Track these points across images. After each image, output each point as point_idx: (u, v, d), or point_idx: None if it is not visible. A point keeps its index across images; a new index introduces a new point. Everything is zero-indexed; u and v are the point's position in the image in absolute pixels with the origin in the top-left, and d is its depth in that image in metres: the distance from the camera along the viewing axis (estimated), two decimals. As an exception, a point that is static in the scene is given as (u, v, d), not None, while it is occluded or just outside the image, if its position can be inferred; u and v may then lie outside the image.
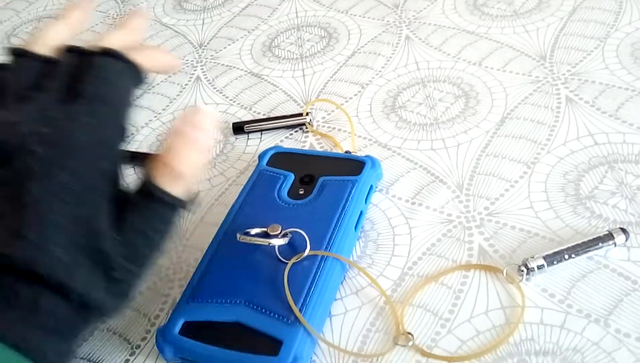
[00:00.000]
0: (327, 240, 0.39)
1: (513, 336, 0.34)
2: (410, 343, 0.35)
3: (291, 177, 0.44)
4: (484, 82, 0.53)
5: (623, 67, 0.51)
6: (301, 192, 0.43)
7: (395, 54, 0.58)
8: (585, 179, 0.43)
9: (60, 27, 0.33)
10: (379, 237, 0.42)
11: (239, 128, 0.52)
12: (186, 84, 0.60)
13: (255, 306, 0.36)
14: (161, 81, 0.61)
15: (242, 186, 0.45)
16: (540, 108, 0.49)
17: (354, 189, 0.42)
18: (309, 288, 0.36)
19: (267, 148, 0.48)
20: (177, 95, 0.59)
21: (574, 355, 0.33)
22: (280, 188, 0.43)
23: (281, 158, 0.46)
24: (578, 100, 0.49)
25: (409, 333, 0.35)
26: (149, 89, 0.60)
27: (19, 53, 0.30)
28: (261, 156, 0.46)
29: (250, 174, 0.45)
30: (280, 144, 0.51)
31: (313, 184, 0.43)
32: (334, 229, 0.40)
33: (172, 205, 0.29)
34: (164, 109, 0.58)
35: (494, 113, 0.49)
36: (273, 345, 0.34)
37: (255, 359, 0.34)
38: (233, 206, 0.43)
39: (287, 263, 0.38)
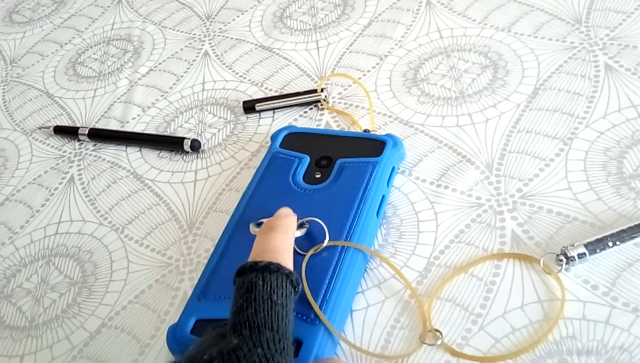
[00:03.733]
0: (347, 228, 0.36)
1: (552, 333, 0.31)
2: (439, 341, 0.32)
3: (306, 160, 0.41)
4: (513, 50, 0.48)
5: (668, 30, 0.46)
6: (318, 176, 0.40)
7: (416, 22, 0.54)
8: (629, 155, 0.39)
9: None
10: (402, 224, 0.39)
11: (250, 107, 0.49)
12: (194, 60, 0.57)
13: (270, 303, 0.34)
14: (168, 58, 0.58)
15: (255, 170, 0.42)
16: (576, 77, 0.45)
17: (374, 172, 0.39)
18: (329, 283, 0.34)
19: (279, 127, 0.45)
20: (185, 72, 0.56)
21: (621, 355, 0.30)
22: (295, 172, 0.40)
23: (295, 139, 0.43)
24: (618, 67, 0.45)
25: (437, 330, 0.33)
26: (155, 67, 0.57)
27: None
28: (273, 137, 0.43)
29: (262, 157, 0.43)
30: (293, 123, 0.48)
31: (330, 167, 0.40)
32: (354, 216, 0.37)
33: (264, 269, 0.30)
34: (170, 88, 0.54)
35: (525, 84, 0.45)
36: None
37: (272, 360, 0.31)
38: (245, 192, 0.40)
39: (304, 255, 0.35)
